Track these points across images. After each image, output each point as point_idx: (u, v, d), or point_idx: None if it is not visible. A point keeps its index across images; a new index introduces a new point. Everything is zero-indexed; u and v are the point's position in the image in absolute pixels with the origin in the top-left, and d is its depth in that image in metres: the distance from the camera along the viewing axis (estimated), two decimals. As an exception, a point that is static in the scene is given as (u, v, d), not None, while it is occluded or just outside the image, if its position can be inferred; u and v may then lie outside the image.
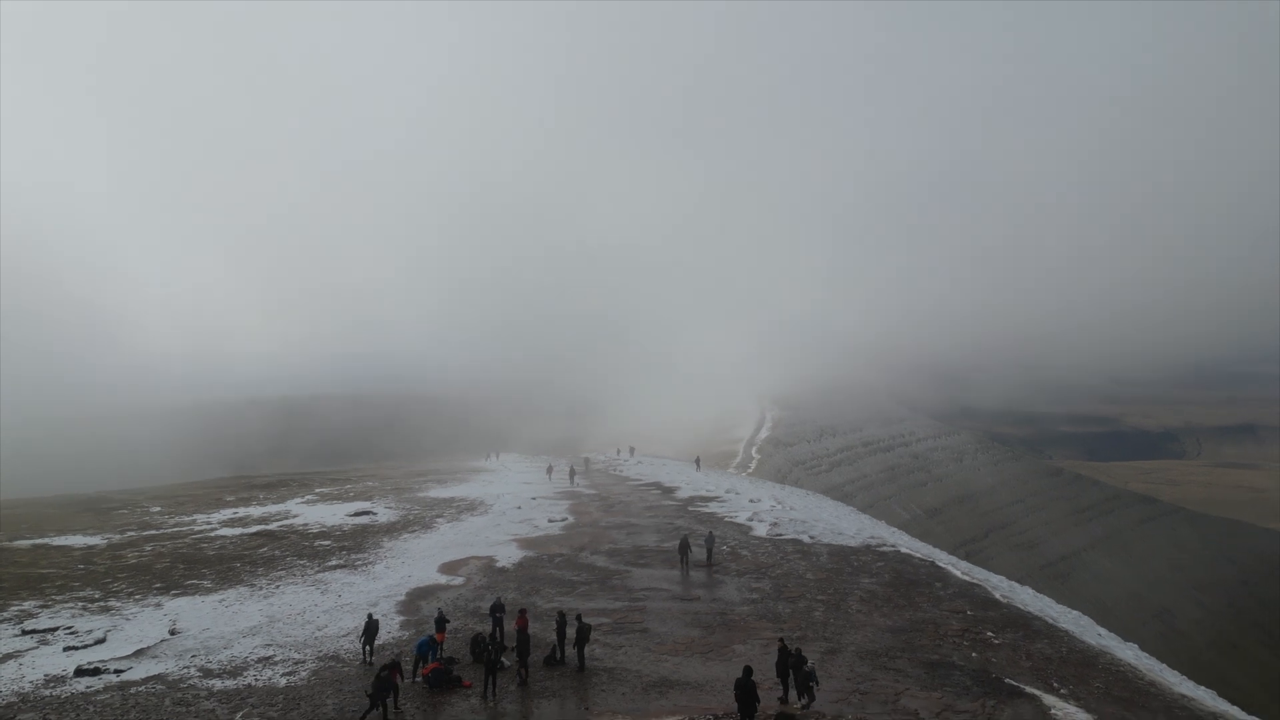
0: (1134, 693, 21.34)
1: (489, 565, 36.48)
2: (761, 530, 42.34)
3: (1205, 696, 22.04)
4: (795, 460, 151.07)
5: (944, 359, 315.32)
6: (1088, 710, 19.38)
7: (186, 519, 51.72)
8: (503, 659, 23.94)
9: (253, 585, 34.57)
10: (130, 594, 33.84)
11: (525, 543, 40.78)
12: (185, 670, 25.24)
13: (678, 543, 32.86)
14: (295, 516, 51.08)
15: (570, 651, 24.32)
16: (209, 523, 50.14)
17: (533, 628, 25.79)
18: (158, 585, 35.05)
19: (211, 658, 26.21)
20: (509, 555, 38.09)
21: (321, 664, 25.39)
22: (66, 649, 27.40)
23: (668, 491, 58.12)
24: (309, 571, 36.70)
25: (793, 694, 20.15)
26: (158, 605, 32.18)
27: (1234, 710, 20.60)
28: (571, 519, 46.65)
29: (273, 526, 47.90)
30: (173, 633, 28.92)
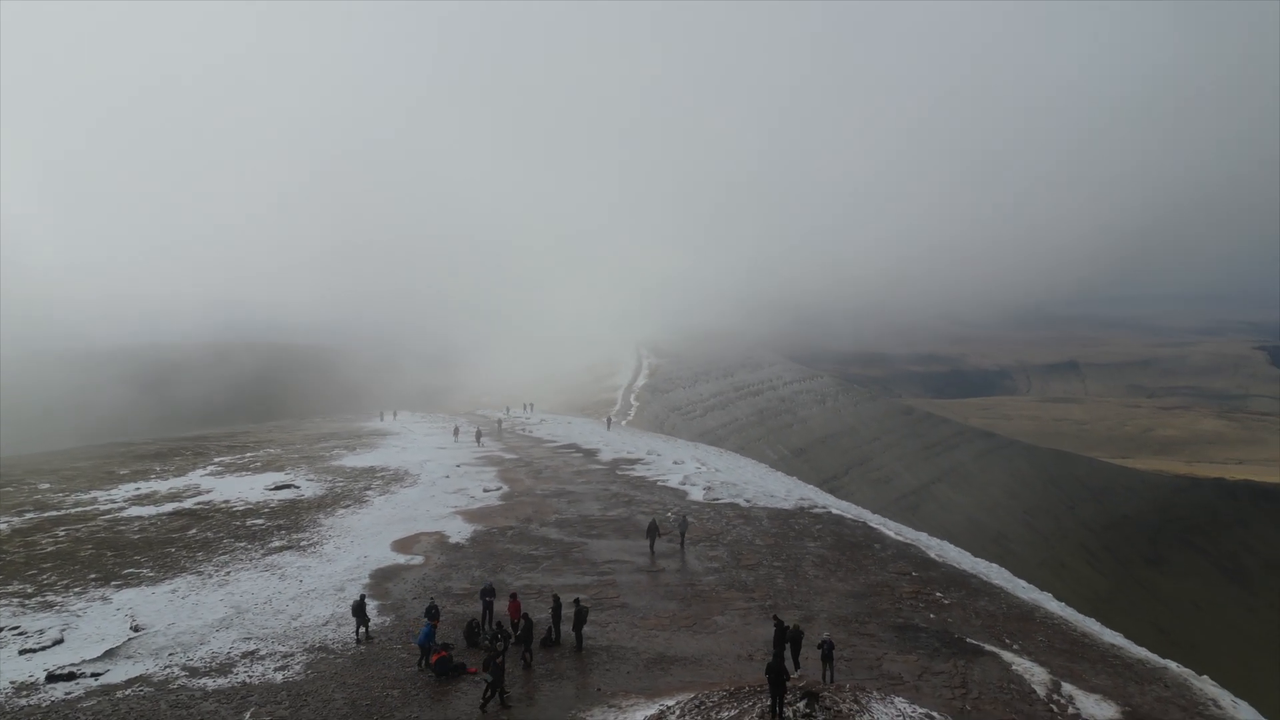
0: (1072, 644, 24.71)
1: (442, 541, 36.96)
2: (698, 495, 44.49)
3: (1128, 645, 25.70)
4: (672, 406, 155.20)
5: (803, 304, 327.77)
6: (1040, 664, 22.41)
7: (85, 497, 49.08)
8: (499, 642, 24.90)
9: (200, 573, 33.78)
10: (68, 587, 32.46)
11: (469, 515, 41.32)
12: (168, 670, 24.91)
13: (647, 524, 33.77)
14: (209, 492, 49.40)
15: (567, 632, 25.54)
16: (113, 501, 47.85)
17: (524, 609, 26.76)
18: (93, 576, 33.72)
19: (191, 655, 25.89)
20: (458, 530, 38.62)
21: (312, 656, 25.57)
22: (23, 652, 26.39)
23: (589, 455, 59.45)
24: (254, 555, 36.09)
25: (789, 665, 22.19)
26: (105, 599, 31.11)
27: (1154, 657, 24.24)
28: (506, 488, 47.34)
29: (189, 504, 46.27)
30: (136, 629, 28.22)
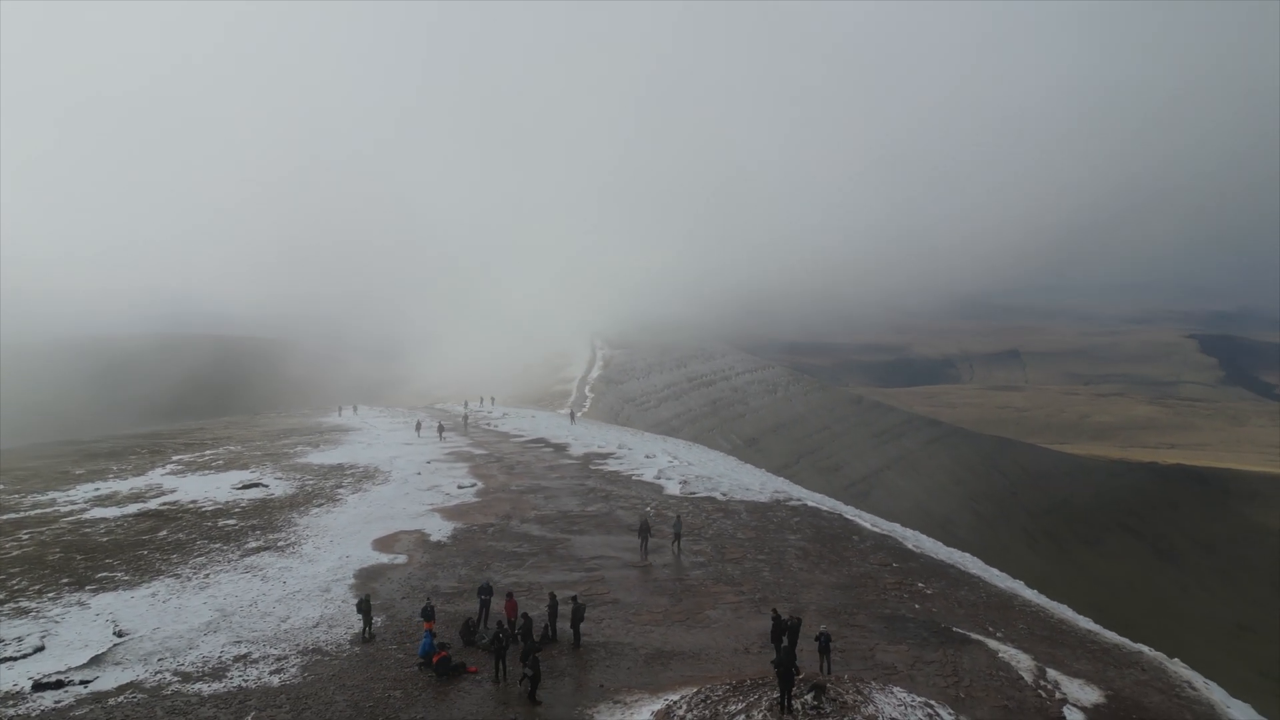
0: (1051, 630, 25.87)
1: (423, 540, 36.95)
2: (674, 489, 45.05)
3: (1102, 630, 26.99)
4: (626, 397, 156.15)
5: (752, 295, 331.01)
6: (1024, 651, 23.46)
7: (44, 498, 47.82)
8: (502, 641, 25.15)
9: (178, 576, 33.32)
10: (41, 592, 31.77)
11: (447, 513, 41.30)
12: (160, 676, 24.67)
13: (638, 523, 33.67)
14: (173, 492, 48.51)
15: (562, 629, 25.89)
16: (74, 502, 46.73)
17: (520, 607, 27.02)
18: (66, 580, 33.04)
19: (181, 660, 25.66)
20: (438, 528, 38.62)
21: (307, 658, 25.52)
22: (3, 660, 25.91)
23: (560, 449, 59.59)
24: (231, 556, 35.68)
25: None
26: (82, 604, 30.54)
27: (1137, 644, 25.51)
28: (480, 484, 47.32)
29: (154, 505, 45.41)
30: (120, 634, 27.81)
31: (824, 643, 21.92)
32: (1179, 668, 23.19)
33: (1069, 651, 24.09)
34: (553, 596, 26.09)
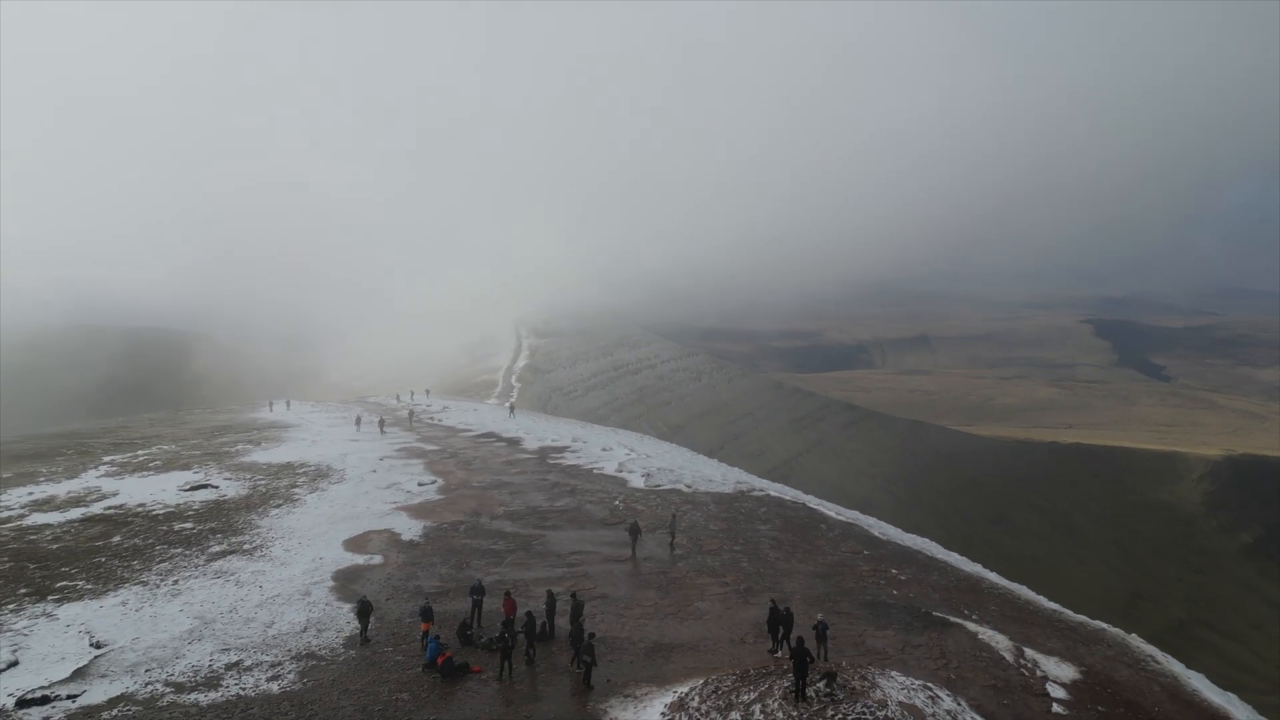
0: (1020, 611, 27.70)
1: (395, 539, 36.83)
2: (638, 482, 45.79)
3: (1066, 611, 29.00)
4: (553, 387, 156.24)
5: (675, 282, 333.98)
6: (1000, 631, 25.17)
7: (-28, 504, 45.66)
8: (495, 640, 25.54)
9: (145, 583, 32.50)
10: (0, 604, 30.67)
11: (413, 511, 41.14)
12: (151, 687, 24.29)
13: (628, 526, 33.96)
14: (115, 495, 46.87)
15: (559, 626, 26.44)
16: (9, 508, 44.70)
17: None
18: (24, 591, 31.87)
19: (170, 670, 25.26)
20: (408, 527, 38.51)
21: (302, 664, 25.43)
22: (-25, 677, 25.08)
23: (513, 444, 59.58)
24: (197, 561, 34.92)
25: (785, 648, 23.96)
26: (49, 615, 29.58)
27: (1086, 618, 27.57)
28: (441, 481, 47.14)
29: (98, 509, 43.84)
30: (97, 646, 27.13)
31: (821, 631, 23.09)
32: (1139, 643, 25.27)
33: (1039, 631, 25.94)
34: (550, 594, 26.61)
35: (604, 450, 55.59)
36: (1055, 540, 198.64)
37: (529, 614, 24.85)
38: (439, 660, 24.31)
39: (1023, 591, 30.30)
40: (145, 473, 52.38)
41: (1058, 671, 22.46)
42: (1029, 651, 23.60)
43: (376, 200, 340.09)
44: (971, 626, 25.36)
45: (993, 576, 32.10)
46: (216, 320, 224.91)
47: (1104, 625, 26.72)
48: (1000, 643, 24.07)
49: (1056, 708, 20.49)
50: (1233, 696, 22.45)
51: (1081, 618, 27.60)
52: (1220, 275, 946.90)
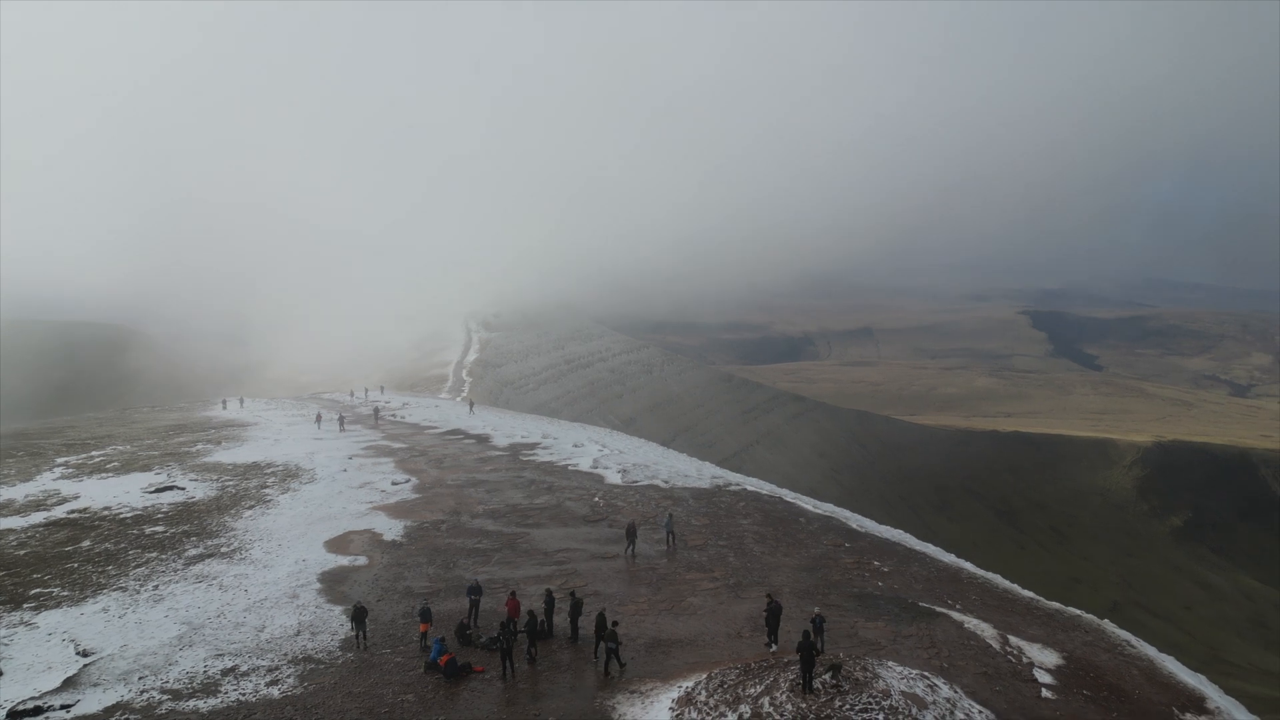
0: (1000, 600, 28.89)
1: (377, 540, 36.70)
2: (615, 478, 46.17)
3: (1040, 599, 30.32)
4: (505, 381, 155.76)
5: (626, 274, 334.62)
6: (984, 620, 26.27)
7: (-79, 510, 44.16)
8: (495, 639, 25.81)
9: (124, 589, 31.97)
10: (-28, 613, 29.90)
11: (391, 511, 40.96)
12: (147, 695, 24.06)
13: (625, 528, 34.03)
14: (76, 498, 45.74)
15: (556, 624, 26.82)
16: (-36, 513, 43.41)
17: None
18: (-1, 600, 31.17)
19: (164, 677, 25.02)
20: (388, 527, 38.38)
21: (300, 668, 25.38)
22: (-41, 691, 24.54)
23: (482, 441, 59.41)
24: (175, 565, 34.41)
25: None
26: (28, 624, 28.99)
27: (1070, 608, 28.86)
28: (414, 480, 46.92)
29: (60, 513, 42.77)
30: (84, 654, 26.71)
31: (818, 624, 23.86)
32: (1113, 629, 26.59)
33: (1020, 619, 27.11)
34: (549, 592, 26.95)
35: (575, 446, 55.85)
36: (995, 525, 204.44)
37: (530, 613, 25.16)
38: (442, 661, 24.49)
39: (999, 580, 31.58)
40: (104, 474, 51.18)
41: (1042, 657, 23.60)
42: (1013, 639, 24.73)
43: (332, 203, 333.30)
44: (957, 616, 26.42)
45: (970, 566, 33.32)
46: (152, 316, 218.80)
47: (1079, 612, 28.05)
48: (985, 631, 25.16)
49: (1046, 693, 21.58)
50: (1202, 677, 23.82)
51: (1056, 605, 28.92)
52: (1148, 267, 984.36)
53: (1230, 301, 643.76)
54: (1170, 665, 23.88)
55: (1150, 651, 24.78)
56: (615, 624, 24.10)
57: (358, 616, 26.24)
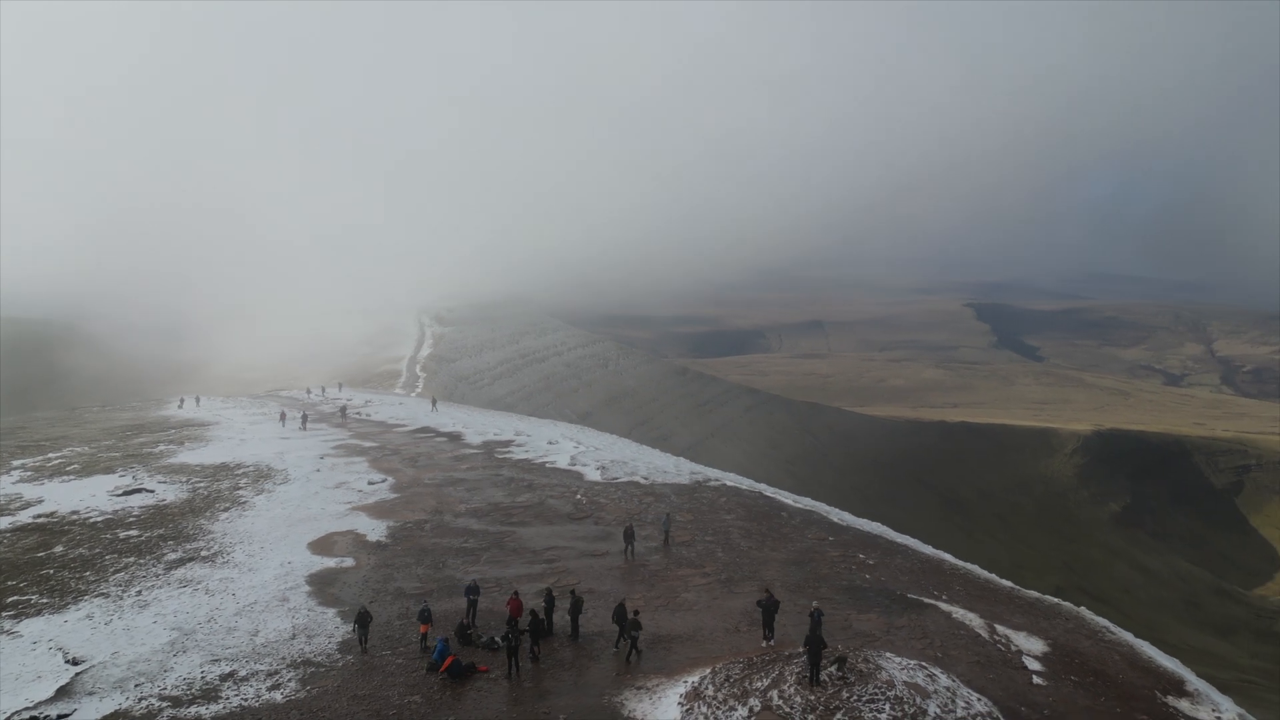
0: (982, 590, 29.97)
1: (362, 541, 36.53)
2: (594, 475, 46.44)
3: (1019, 588, 31.48)
4: (459, 376, 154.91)
5: (579, 268, 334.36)
6: (970, 610, 27.28)
7: (-121, 517, 42.69)
8: (496, 638, 26.09)
9: (106, 595, 31.45)
10: (-52, 624, 29.17)
11: (372, 511, 40.75)
12: (146, 702, 23.84)
13: (623, 530, 33.90)
14: (40, 502, 44.62)
15: (556, 622, 27.13)
16: (-77, 520, 42.09)
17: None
18: (-27, 609, 30.42)
19: (162, 684, 24.78)
20: (371, 527, 38.20)
21: (301, 671, 25.31)
22: (-53, 704, 24.04)
23: (454, 439, 59.14)
24: (156, 570, 33.91)
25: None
26: (11, 633, 28.41)
27: (1049, 598, 30.08)
28: (391, 479, 46.66)
29: (26, 518, 41.71)
30: (74, 662, 26.30)
31: (817, 618, 24.57)
32: (1091, 616, 27.83)
33: (1003, 608, 28.19)
34: (549, 591, 27.25)
35: (550, 444, 55.99)
36: (944, 515, 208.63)
37: (532, 612, 25.45)
38: (447, 661, 24.65)
39: (979, 571, 32.74)
40: (65, 477, 49.97)
41: (1029, 645, 24.65)
42: (1000, 628, 25.76)
43: (286, 201, 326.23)
44: (944, 606, 27.39)
45: (950, 558, 34.45)
46: (91, 313, 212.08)
47: (1058, 601, 29.28)
48: (973, 620, 26.15)
49: (1037, 679, 22.58)
50: (1177, 661, 25.13)
51: (1035, 594, 30.14)
52: (1085, 261, 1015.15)
53: (1164, 293, 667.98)
54: (1149, 650, 25.13)
55: (1128, 637, 26.02)
56: (637, 613, 24.54)
57: (361, 620, 26.23)
